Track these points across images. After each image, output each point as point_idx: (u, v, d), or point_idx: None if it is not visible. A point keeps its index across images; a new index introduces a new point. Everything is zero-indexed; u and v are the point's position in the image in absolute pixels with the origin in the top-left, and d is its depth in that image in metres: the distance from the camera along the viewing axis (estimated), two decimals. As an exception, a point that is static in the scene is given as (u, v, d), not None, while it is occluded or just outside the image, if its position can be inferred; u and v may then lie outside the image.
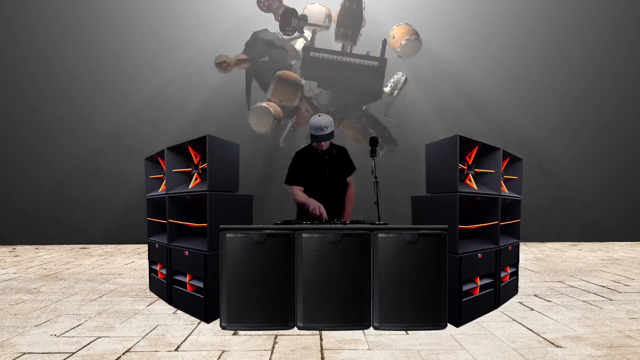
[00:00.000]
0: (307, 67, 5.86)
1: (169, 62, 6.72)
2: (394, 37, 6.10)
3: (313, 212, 2.93)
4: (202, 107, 6.71)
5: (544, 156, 6.78)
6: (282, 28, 5.62)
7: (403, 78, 6.04)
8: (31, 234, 6.50)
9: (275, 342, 2.15)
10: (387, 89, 6.07)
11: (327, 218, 2.95)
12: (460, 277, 2.45)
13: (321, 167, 3.15)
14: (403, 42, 5.98)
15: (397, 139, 6.29)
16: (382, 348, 2.07)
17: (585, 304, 2.92)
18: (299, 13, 5.74)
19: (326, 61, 5.84)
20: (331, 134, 3.02)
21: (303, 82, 5.76)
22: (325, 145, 3.11)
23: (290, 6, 5.69)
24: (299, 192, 3.14)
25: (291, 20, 5.56)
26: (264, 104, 5.76)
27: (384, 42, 5.95)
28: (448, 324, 2.36)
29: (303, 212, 3.12)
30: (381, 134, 6.07)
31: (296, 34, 5.86)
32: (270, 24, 6.09)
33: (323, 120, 2.98)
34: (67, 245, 6.40)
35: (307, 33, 6.04)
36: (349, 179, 3.35)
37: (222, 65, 5.71)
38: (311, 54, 5.82)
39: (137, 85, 6.69)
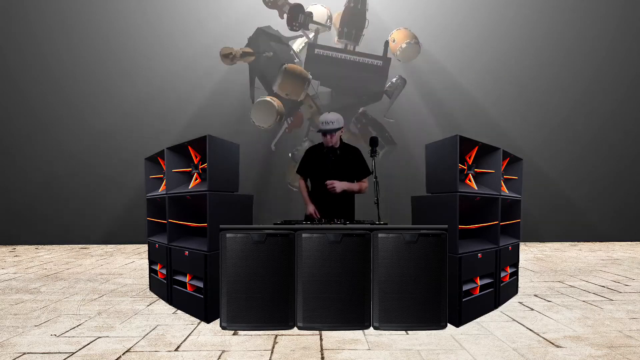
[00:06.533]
0: (311, 64, 5.85)
1: (169, 61, 6.72)
2: (394, 41, 6.14)
3: (309, 214, 3.27)
4: (202, 107, 6.71)
5: (544, 156, 6.78)
6: (289, 23, 5.60)
7: (401, 82, 6.08)
8: (31, 234, 6.50)
9: (275, 342, 2.15)
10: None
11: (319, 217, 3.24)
12: (460, 277, 2.45)
13: (325, 165, 3.28)
14: (403, 45, 6.02)
15: (397, 139, 6.29)
16: (382, 348, 2.07)
17: (585, 304, 2.92)
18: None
19: (330, 59, 5.83)
20: (337, 129, 3.17)
21: (310, 75, 5.69)
22: (332, 140, 3.19)
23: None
24: (302, 189, 3.42)
25: (298, 16, 5.56)
26: (268, 98, 5.74)
27: (386, 43, 5.98)
28: (448, 324, 2.36)
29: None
30: (381, 134, 6.07)
31: (299, 31, 5.87)
32: (272, 20, 6.11)
33: (330, 115, 3.19)
34: (67, 245, 6.40)
35: (309, 32, 6.05)
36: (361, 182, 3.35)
37: (228, 56, 5.65)
38: (315, 51, 5.82)
39: (137, 85, 6.69)
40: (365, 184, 3.34)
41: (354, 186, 3.26)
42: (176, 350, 2.07)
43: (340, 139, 3.31)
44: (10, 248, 6.18)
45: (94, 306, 2.90)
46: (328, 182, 3.17)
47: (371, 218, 2.71)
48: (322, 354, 1.99)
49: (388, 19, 6.60)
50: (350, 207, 3.35)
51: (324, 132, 3.17)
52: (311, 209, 3.27)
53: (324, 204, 3.26)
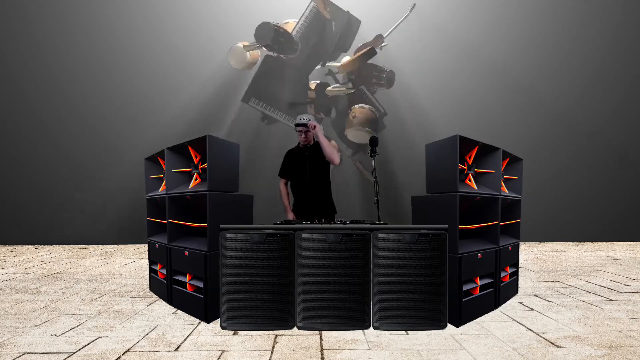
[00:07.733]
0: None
1: (168, 61, 6.71)
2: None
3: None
4: (202, 106, 6.70)
5: (544, 156, 6.78)
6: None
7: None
8: (31, 234, 6.50)
9: (275, 342, 2.15)
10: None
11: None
12: (460, 277, 2.45)
13: (301, 163, 3.51)
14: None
15: (397, 139, 6.30)
16: (382, 348, 2.07)
17: (585, 304, 2.92)
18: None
19: None
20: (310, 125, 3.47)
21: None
22: (306, 137, 3.46)
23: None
24: (283, 195, 3.62)
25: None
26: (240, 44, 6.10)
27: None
28: (448, 324, 2.36)
29: (296, 211, 3.54)
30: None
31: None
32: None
33: (306, 115, 3.56)
34: (67, 245, 6.40)
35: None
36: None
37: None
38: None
39: (137, 85, 6.69)
40: (336, 151, 3.58)
41: (326, 141, 3.47)
42: (176, 350, 2.07)
43: (313, 139, 3.58)
44: (10, 248, 6.18)
45: (94, 306, 2.90)
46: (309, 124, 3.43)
47: (371, 218, 2.71)
48: (322, 354, 1.99)
49: (387, 19, 6.60)
50: (329, 201, 3.55)
51: (299, 128, 3.47)
52: (291, 216, 3.49)
53: (304, 199, 3.49)
